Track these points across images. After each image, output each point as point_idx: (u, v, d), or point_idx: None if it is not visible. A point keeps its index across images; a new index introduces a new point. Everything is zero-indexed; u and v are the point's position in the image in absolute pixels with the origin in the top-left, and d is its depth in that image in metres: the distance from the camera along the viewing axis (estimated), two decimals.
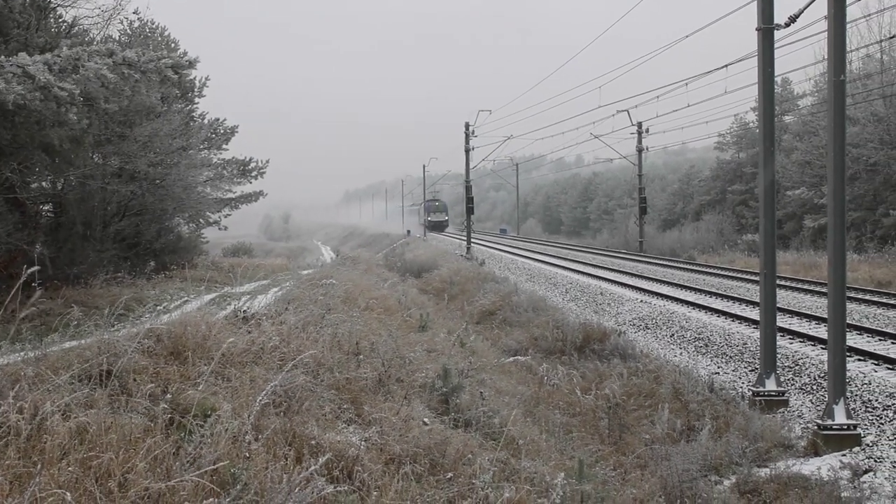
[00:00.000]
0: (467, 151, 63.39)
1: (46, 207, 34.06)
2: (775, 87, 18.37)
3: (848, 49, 27.73)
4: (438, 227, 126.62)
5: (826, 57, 16.26)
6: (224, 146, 51.74)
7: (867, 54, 55.18)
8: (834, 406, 15.43)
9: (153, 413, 7.90)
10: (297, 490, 6.58)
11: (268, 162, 53.05)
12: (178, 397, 8.61)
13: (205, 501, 6.29)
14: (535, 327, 24.82)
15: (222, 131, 51.38)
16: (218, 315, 14.45)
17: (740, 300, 30.89)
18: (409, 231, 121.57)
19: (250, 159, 52.54)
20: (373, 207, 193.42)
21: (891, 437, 15.21)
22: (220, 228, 52.65)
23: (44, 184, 32.80)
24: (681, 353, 23.28)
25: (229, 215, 53.73)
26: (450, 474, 8.74)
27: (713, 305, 29.54)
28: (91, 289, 27.32)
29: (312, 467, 6.87)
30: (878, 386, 17.54)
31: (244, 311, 15.77)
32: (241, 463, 7.07)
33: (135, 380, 9.01)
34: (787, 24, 17.91)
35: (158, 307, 14.11)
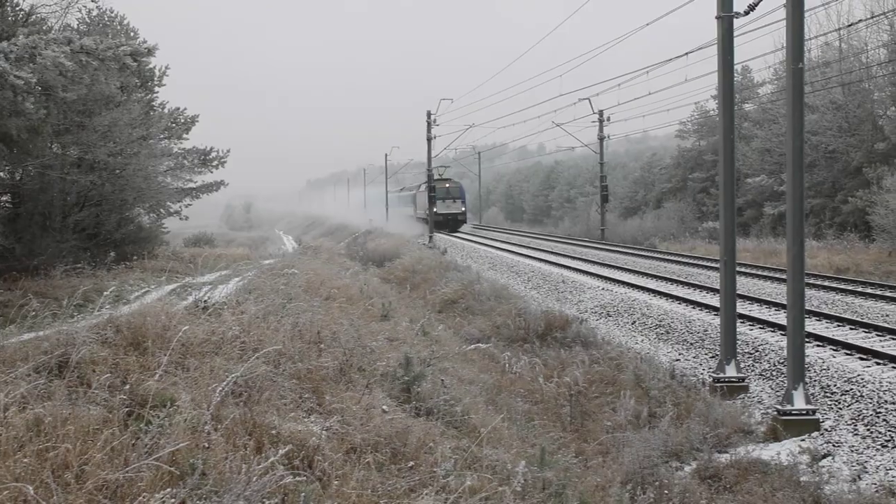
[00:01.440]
0: (429, 140, 63.47)
1: (5, 198, 33.67)
2: (735, 75, 18.53)
3: (807, 37, 27.82)
4: (449, 223, 79.58)
5: (785, 45, 16.34)
6: (185, 136, 51.37)
7: (826, 42, 55.58)
8: (793, 392, 15.56)
9: (112, 404, 7.85)
10: (255, 479, 6.55)
11: (228, 151, 52.81)
12: (137, 388, 8.56)
13: (162, 491, 6.26)
14: (498, 316, 24.87)
15: (183, 121, 50.97)
16: (178, 305, 14.37)
17: (701, 287, 31.05)
18: (370, 221, 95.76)
19: (211, 149, 52.24)
20: (336, 195, 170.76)
21: (849, 422, 15.35)
22: (181, 218, 52.26)
23: (1, 174, 32.41)
24: (642, 341, 23.39)
25: (190, 205, 53.37)
26: (411, 463, 8.74)
27: (674, 293, 29.67)
28: (51, 280, 27.07)
29: (272, 457, 6.85)
30: (836, 371, 17.68)
31: (205, 301, 15.69)
32: (200, 453, 7.03)
33: (94, 371, 8.95)
34: (747, 13, 17.98)
35: (119, 298, 14.03)
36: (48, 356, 9.17)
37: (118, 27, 44.05)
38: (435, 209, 71.96)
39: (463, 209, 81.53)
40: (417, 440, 9.45)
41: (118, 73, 25.69)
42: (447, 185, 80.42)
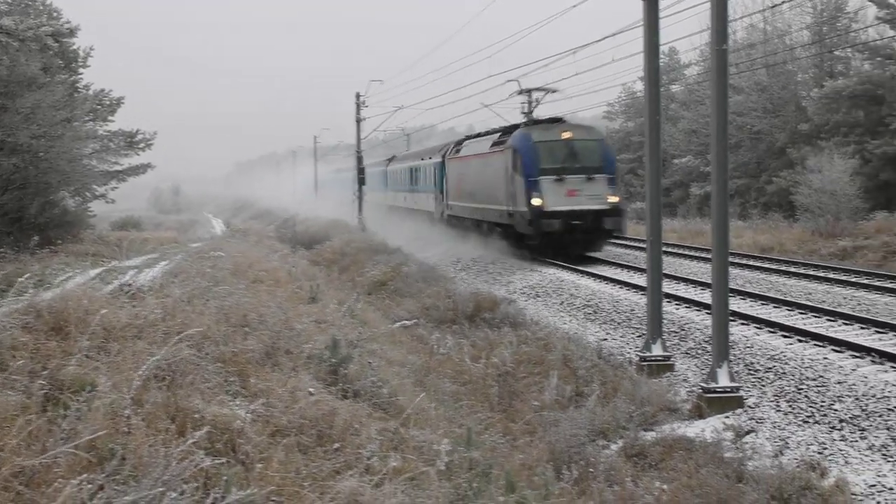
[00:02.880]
0: (358, 122, 63.20)
1: None
2: (662, 56, 18.68)
3: (732, 18, 27.97)
4: (584, 235, 33.97)
5: (709, 26, 16.49)
6: (110, 117, 50.67)
7: (751, 24, 56.24)
8: (717, 370, 15.75)
9: (30, 389, 7.73)
10: (174, 463, 6.49)
11: (155, 134, 52.26)
12: (57, 373, 8.44)
13: (80, 476, 6.18)
14: (427, 297, 24.87)
15: (108, 102, 50.24)
16: (103, 290, 14.20)
17: (628, 267, 31.33)
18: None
19: (137, 131, 51.65)
20: (283, 174, 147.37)
21: (772, 399, 15.60)
22: (107, 202, 51.56)
23: None
24: (570, 321, 23.55)
25: (116, 188, 52.70)
26: (337, 445, 8.71)
27: (602, 273, 29.89)
28: None
29: (190, 440, 6.79)
30: (760, 349, 17.94)
31: (129, 285, 15.51)
32: (119, 438, 6.96)
33: (13, 356, 8.81)
34: None
35: (42, 282, 13.83)
36: None
37: (41, 7, 43.31)
38: (543, 199, 33.44)
39: (616, 199, 35.09)
40: (343, 422, 9.43)
41: (39, 53, 25.23)
42: (574, 139, 35.29)
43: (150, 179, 74.46)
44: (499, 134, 40.05)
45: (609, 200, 33.78)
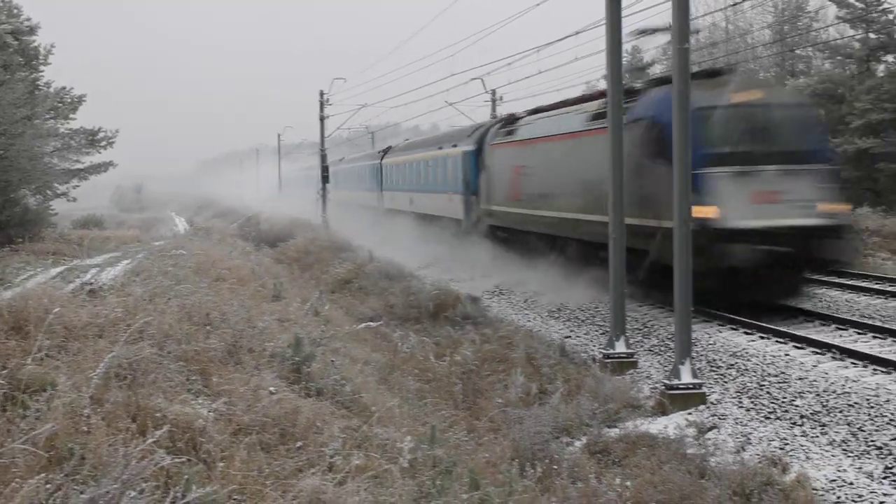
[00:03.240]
0: (322, 119, 63.03)
1: None
2: (625, 55, 18.78)
3: (694, 17, 28.07)
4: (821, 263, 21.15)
5: (671, 25, 16.53)
6: (72, 115, 50.21)
7: (713, 23, 56.53)
8: (680, 366, 15.82)
9: None
10: (134, 462, 6.45)
11: (117, 132, 51.70)
12: (17, 373, 8.36)
13: (38, 476, 6.12)
14: (391, 295, 24.83)
15: (69, 100, 49.79)
16: (64, 289, 14.10)
17: (592, 263, 31.32)
18: None
19: (99, 129, 51.14)
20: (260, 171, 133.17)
21: (734, 395, 15.69)
22: (68, 200, 51.07)
23: None
24: (534, 318, 23.58)
25: (78, 186, 52.22)
26: (299, 443, 8.69)
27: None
28: None
29: (151, 439, 6.75)
30: (722, 346, 18.05)
31: (91, 283, 15.42)
32: (79, 437, 6.90)
33: None
34: None
35: (2, 281, 13.73)
36: None
37: (0, 5, 42.89)
38: (720, 208, 19.76)
39: (839, 207, 21.01)
40: (306, 420, 9.40)
41: None
42: (768, 102, 21.06)
43: (112, 177, 73.76)
44: (600, 102, 24.33)
45: (828, 210, 20.31)
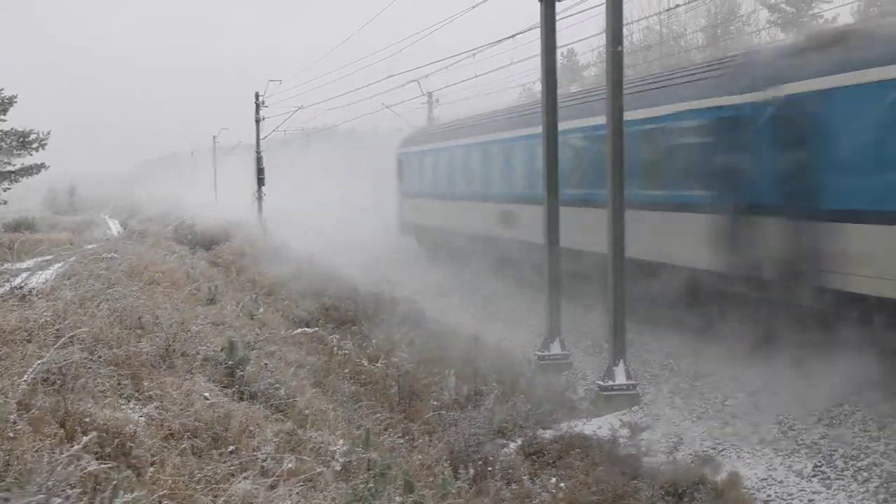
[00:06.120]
0: (257, 122, 62.64)
1: None
2: (561, 58, 18.85)
3: (629, 21, 28.24)
4: None
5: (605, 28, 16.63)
6: (1, 116, 49.58)
7: (648, 26, 57.09)
8: (614, 368, 15.97)
9: None
10: (59, 468, 6.36)
11: (49, 133, 51.17)
12: None
13: None
14: (328, 297, 24.72)
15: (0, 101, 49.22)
16: None
17: (529, 267, 31.44)
18: None
19: (31, 130, 50.56)
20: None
21: (667, 396, 15.88)
22: None
23: None
24: (471, 320, 23.62)
25: (9, 189, 51.64)
26: (231, 448, 8.63)
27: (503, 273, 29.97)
28: None
29: (78, 445, 6.67)
30: (656, 347, 18.23)
31: (20, 287, 15.21)
32: (4, 443, 6.79)
33: None
34: None
35: None
36: None
37: None
38: None
39: None
40: (239, 424, 9.34)
41: None
42: None
43: (45, 179, 72.83)
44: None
45: None
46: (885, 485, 11.63)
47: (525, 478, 11.66)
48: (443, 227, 34.63)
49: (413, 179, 39.28)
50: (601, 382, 15.99)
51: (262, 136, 63.15)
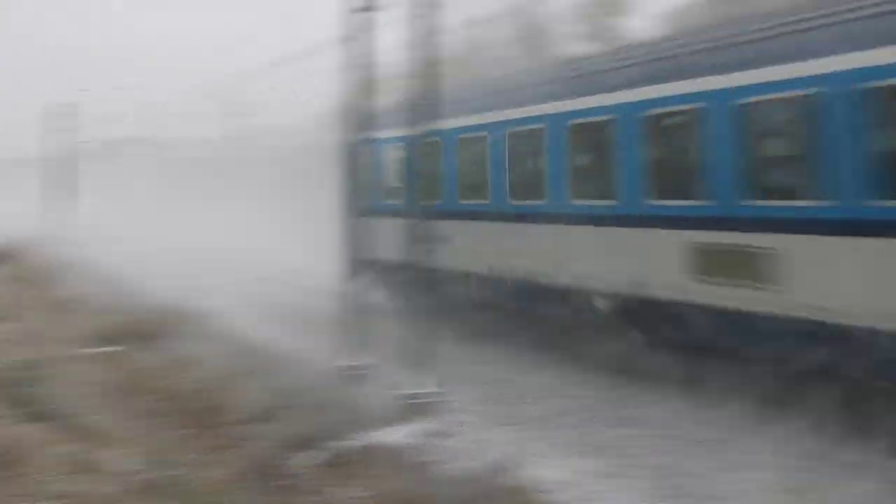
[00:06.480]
0: None
1: None
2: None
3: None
4: None
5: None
6: None
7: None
8: (421, 376, 16.02)
9: None
10: None
11: None
12: None
13: None
14: (128, 313, 24.09)
15: None
16: None
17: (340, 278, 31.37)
18: None
19: None
20: None
21: (474, 403, 16.06)
22: None
23: None
24: (279, 332, 23.39)
25: None
26: (16, 472, 8.31)
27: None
28: None
29: None
30: (465, 356, 18.42)
31: None
32: None
33: None
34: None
35: None
36: None
37: None
38: None
39: None
40: (27, 447, 9.01)
41: None
42: None
43: None
44: None
45: None
46: None
47: (326, 489, 11.59)
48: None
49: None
50: (408, 391, 16.01)
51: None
